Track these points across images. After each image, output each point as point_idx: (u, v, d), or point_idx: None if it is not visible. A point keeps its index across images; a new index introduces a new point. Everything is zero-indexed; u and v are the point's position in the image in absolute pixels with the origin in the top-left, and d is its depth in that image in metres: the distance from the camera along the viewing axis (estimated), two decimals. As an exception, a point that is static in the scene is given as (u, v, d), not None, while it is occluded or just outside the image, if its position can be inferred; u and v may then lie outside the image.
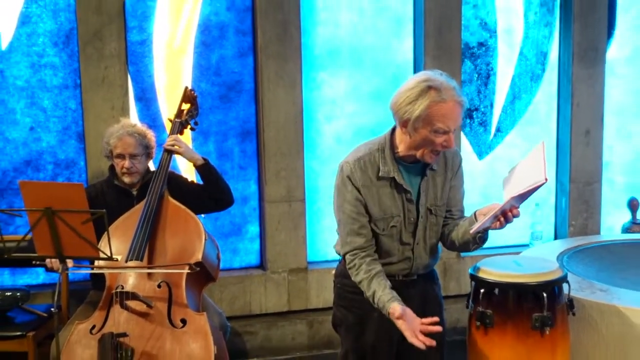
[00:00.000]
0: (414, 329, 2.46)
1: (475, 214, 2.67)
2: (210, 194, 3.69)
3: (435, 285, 2.95)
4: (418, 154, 2.61)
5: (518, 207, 2.55)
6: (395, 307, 2.51)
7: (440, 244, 2.89)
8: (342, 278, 2.84)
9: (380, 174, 2.66)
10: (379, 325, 2.76)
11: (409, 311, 2.51)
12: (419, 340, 2.43)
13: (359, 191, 2.65)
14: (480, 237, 2.66)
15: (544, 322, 2.71)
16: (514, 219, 2.55)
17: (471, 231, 2.60)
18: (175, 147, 3.62)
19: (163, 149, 3.64)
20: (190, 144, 4.52)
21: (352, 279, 2.69)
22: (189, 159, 3.70)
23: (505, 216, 2.53)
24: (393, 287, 2.62)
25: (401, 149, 2.66)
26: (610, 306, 2.97)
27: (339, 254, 2.82)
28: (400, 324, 2.49)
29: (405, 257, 2.75)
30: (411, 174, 2.70)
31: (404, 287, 2.74)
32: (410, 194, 2.69)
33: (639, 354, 2.92)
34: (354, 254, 2.68)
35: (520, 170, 2.68)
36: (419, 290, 2.82)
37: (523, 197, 2.54)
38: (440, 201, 2.75)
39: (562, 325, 2.80)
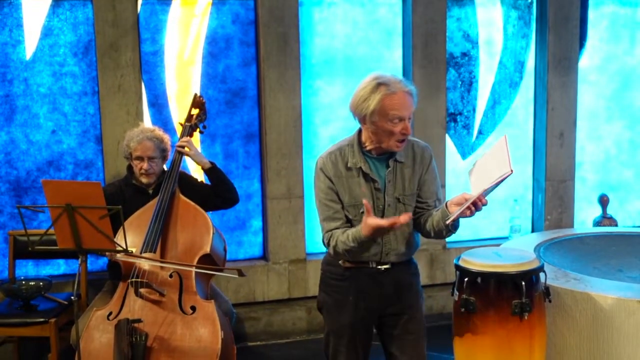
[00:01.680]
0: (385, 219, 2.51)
1: (446, 204, 2.65)
2: (217, 194, 3.67)
3: (412, 274, 2.86)
4: (384, 145, 2.64)
5: (485, 197, 2.53)
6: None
7: (418, 235, 2.85)
8: (326, 265, 2.86)
9: (348, 165, 2.69)
10: (355, 308, 2.77)
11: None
12: (395, 219, 2.47)
13: (330, 180, 2.70)
14: (453, 225, 2.64)
15: (523, 308, 2.71)
16: (483, 208, 2.55)
17: (447, 221, 2.58)
18: (186, 148, 3.59)
19: (175, 149, 3.62)
20: (199, 146, 4.52)
21: (333, 252, 2.69)
22: (198, 163, 3.66)
23: (475, 205, 2.53)
24: (367, 275, 2.68)
25: (368, 144, 2.70)
26: (583, 293, 2.97)
27: (324, 245, 2.81)
28: (374, 222, 2.48)
29: (376, 244, 2.70)
30: (378, 165, 2.72)
31: (377, 274, 2.73)
32: (378, 183, 2.69)
33: (609, 337, 2.92)
34: (329, 233, 2.70)
35: (486, 162, 2.64)
36: (393, 279, 2.76)
37: (492, 187, 2.52)
38: (409, 191, 2.74)
39: (539, 311, 2.80)
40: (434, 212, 2.73)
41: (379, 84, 2.60)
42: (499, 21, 5.00)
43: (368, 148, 2.70)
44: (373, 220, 2.49)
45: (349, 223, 2.71)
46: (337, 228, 2.69)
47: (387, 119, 2.58)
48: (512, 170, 2.42)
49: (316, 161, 2.77)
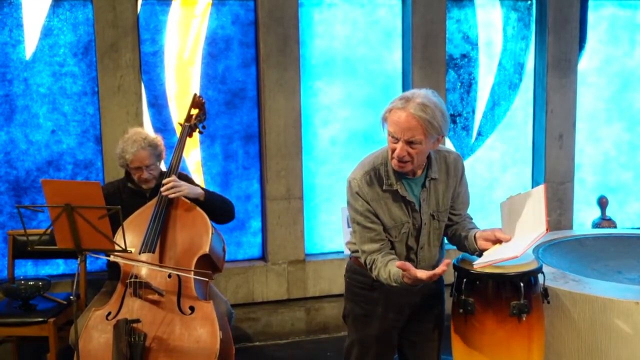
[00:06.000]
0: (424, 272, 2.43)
1: (475, 235, 2.63)
2: (212, 218, 3.49)
3: (438, 282, 2.82)
4: (391, 162, 2.54)
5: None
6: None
7: (445, 246, 2.83)
8: (351, 273, 2.80)
9: (384, 188, 2.58)
10: (383, 319, 2.74)
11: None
12: (434, 272, 2.40)
13: (368, 204, 2.58)
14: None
15: (521, 310, 2.70)
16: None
17: (475, 266, 2.58)
18: (177, 193, 3.39)
19: (163, 189, 3.38)
20: (198, 146, 4.52)
21: (374, 276, 2.60)
22: (194, 198, 3.45)
23: None
24: (410, 285, 2.52)
25: None
26: (582, 295, 2.97)
27: (350, 252, 2.77)
28: (417, 276, 2.41)
29: (409, 259, 2.66)
30: (413, 185, 2.62)
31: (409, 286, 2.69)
32: (414, 204, 2.60)
33: (607, 338, 2.92)
34: (372, 256, 2.59)
35: (522, 205, 2.60)
36: (422, 288, 2.67)
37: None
38: (443, 207, 2.67)
39: (537, 313, 2.80)
40: (462, 232, 2.72)
41: (402, 97, 2.47)
42: (499, 23, 5.00)
43: None
44: (412, 275, 2.40)
45: (390, 243, 2.63)
46: (379, 250, 2.58)
47: (387, 130, 2.49)
48: (548, 229, 2.41)
49: (348, 181, 2.62)
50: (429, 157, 2.62)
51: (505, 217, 2.67)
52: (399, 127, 2.44)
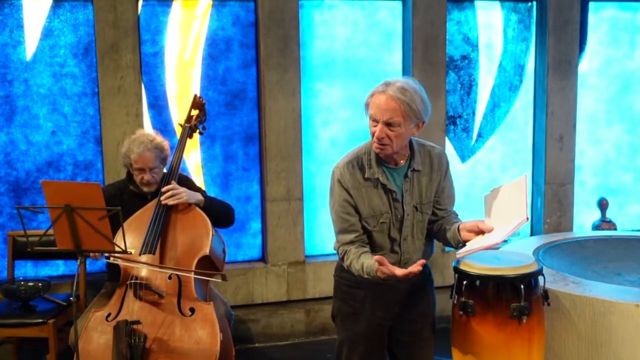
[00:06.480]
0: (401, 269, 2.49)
1: (458, 227, 2.65)
2: (211, 223, 3.46)
3: (427, 280, 2.88)
4: (372, 147, 2.62)
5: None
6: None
7: (433, 241, 2.87)
8: (339, 272, 2.83)
9: (366, 176, 2.64)
10: (371, 317, 2.75)
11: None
12: (409, 270, 2.45)
13: (348, 193, 2.63)
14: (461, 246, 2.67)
15: (521, 312, 2.70)
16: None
17: (458, 256, 2.61)
18: (177, 200, 3.37)
19: (163, 197, 3.36)
20: (198, 147, 4.52)
21: (345, 266, 2.67)
22: (195, 203, 3.44)
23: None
24: (383, 279, 2.58)
25: None
26: (582, 297, 2.97)
27: (339, 257, 2.79)
28: (390, 272, 2.46)
29: (394, 252, 2.72)
30: (395, 175, 2.68)
31: (394, 282, 2.71)
32: (396, 193, 2.65)
33: (608, 341, 2.92)
34: (344, 248, 2.68)
35: (503, 196, 2.63)
36: (409, 284, 2.76)
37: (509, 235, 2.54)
38: (426, 199, 2.72)
39: (537, 315, 2.80)
40: (447, 226, 2.73)
41: (384, 82, 2.57)
42: (499, 24, 5.01)
43: (383, 157, 2.65)
44: (387, 271, 2.46)
45: (366, 234, 2.68)
46: (352, 241, 2.66)
47: (368, 114, 2.58)
48: (528, 218, 2.43)
49: (332, 170, 2.70)
50: (412, 149, 2.69)
51: (488, 208, 2.69)
52: (379, 109, 2.52)
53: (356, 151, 2.71)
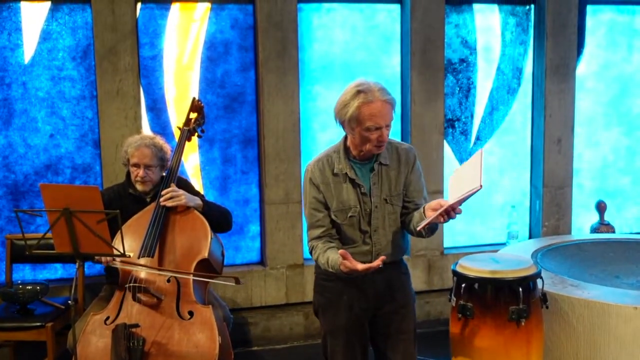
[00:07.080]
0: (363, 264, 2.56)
1: (424, 207, 2.70)
2: (211, 227, 3.45)
3: (403, 274, 2.92)
4: (364, 149, 2.69)
5: (459, 206, 2.57)
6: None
7: (408, 236, 2.91)
8: (317, 267, 2.88)
9: (335, 171, 2.76)
10: (349, 308, 2.80)
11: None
12: (369, 265, 2.53)
13: (318, 189, 2.77)
14: (429, 229, 2.70)
15: (520, 314, 2.71)
16: (457, 216, 2.60)
17: (418, 227, 2.65)
18: (176, 202, 3.37)
19: (162, 199, 3.36)
20: (197, 150, 4.52)
21: (314, 259, 2.77)
22: (193, 207, 3.43)
23: (448, 214, 2.57)
24: (346, 274, 2.64)
25: (352, 149, 2.77)
26: (581, 300, 2.98)
27: (309, 252, 2.87)
28: (352, 267, 2.54)
29: (365, 243, 2.79)
30: (363, 170, 2.77)
31: (369, 274, 2.72)
32: (364, 187, 2.75)
33: (606, 343, 2.92)
34: (313, 242, 2.78)
35: (463, 172, 2.70)
36: (385, 277, 2.81)
37: (463, 200, 2.56)
38: (395, 192, 2.80)
39: (536, 317, 2.81)
40: (415, 213, 2.77)
41: (359, 91, 2.63)
42: (497, 28, 5.02)
43: (353, 153, 2.77)
44: (350, 265, 2.54)
45: (336, 228, 2.78)
46: (319, 237, 2.77)
47: (363, 126, 2.63)
48: (481, 186, 2.45)
49: (305, 168, 2.85)
50: None
51: (450, 188, 2.71)
52: (380, 115, 2.61)
53: (326, 151, 2.85)
